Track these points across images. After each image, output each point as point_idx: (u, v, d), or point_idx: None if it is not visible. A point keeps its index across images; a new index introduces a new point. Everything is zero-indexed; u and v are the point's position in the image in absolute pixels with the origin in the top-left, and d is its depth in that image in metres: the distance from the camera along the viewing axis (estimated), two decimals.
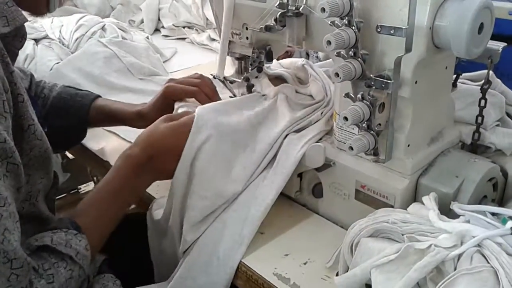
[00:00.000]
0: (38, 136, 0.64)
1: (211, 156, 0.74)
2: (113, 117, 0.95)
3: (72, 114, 0.93)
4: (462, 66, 0.76)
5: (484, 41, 0.62)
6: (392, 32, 0.60)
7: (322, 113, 0.83)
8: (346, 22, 0.62)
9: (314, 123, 0.81)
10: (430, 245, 0.53)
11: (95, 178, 1.36)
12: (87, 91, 0.99)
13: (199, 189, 0.73)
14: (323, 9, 0.60)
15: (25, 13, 0.64)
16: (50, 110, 0.95)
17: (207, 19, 1.66)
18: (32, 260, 0.56)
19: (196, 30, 1.72)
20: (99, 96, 0.97)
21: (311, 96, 0.87)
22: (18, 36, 0.64)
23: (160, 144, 0.73)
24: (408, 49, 0.59)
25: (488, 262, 0.51)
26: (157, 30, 1.82)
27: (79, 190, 2.04)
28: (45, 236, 0.61)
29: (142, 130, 0.77)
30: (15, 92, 0.60)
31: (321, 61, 1.27)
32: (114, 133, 1.07)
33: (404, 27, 0.58)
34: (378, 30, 0.61)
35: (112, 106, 0.96)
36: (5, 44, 0.60)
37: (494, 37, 0.68)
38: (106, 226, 0.71)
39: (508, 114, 0.80)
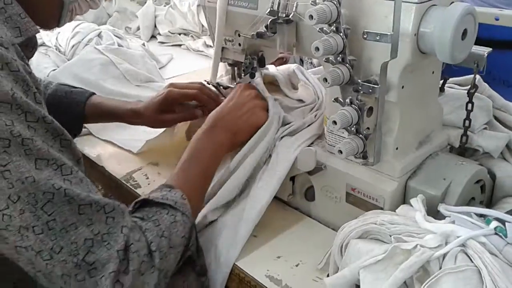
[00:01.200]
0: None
1: None
2: (109, 113, 0.97)
3: (68, 110, 0.94)
4: (453, 71, 0.78)
5: (468, 47, 0.64)
6: (378, 38, 0.62)
7: (316, 115, 0.84)
8: (334, 28, 0.64)
9: (308, 126, 0.82)
10: (416, 245, 0.55)
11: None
12: (82, 88, 1.00)
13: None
14: (311, 16, 0.62)
15: None
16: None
17: (202, 25, 1.68)
18: (134, 212, 0.62)
19: (192, 36, 1.73)
20: (94, 93, 0.99)
21: (300, 100, 0.89)
22: (29, 46, 0.67)
23: (236, 123, 0.80)
24: (394, 55, 0.61)
25: (472, 262, 0.52)
26: (153, 36, 1.84)
27: None
28: (141, 197, 0.65)
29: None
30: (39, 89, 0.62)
31: (315, 67, 1.28)
32: (111, 142, 1.08)
33: (389, 33, 0.60)
34: (365, 36, 0.63)
35: (108, 102, 0.98)
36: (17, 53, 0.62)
37: (483, 42, 0.70)
38: (199, 183, 0.74)
39: (495, 118, 0.82)
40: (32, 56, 0.69)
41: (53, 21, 0.74)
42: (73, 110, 0.95)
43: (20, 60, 0.59)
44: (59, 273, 0.53)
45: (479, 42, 0.67)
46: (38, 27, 0.66)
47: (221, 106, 0.82)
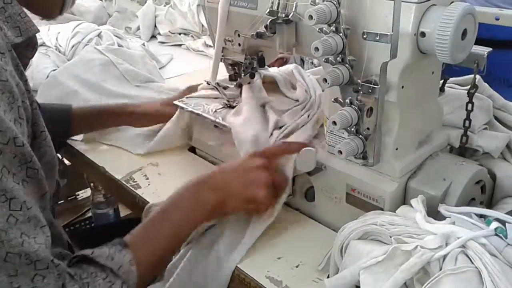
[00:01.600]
0: (48, 143, 0.65)
1: None
2: (100, 111, 0.96)
3: (55, 120, 0.92)
4: (453, 71, 0.78)
5: (468, 46, 0.63)
6: (377, 38, 0.61)
7: (308, 115, 0.84)
8: (334, 29, 0.64)
9: (301, 126, 0.82)
10: (416, 246, 0.55)
11: (91, 184, 1.37)
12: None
13: None
14: (310, 17, 0.62)
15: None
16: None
17: (202, 25, 1.68)
18: (68, 268, 0.55)
19: (192, 36, 1.73)
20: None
21: (297, 101, 0.89)
22: (30, 46, 0.66)
23: (230, 187, 0.72)
24: (393, 55, 0.61)
25: (472, 263, 0.52)
26: (153, 36, 1.84)
27: (77, 197, 2.05)
28: (86, 250, 0.59)
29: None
30: (30, 99, 0.60)
31: (316, 67, 1.28)
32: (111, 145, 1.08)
33: (389, 34, 0.60)
34: (364, 36, 0.63)
35: (97, 106, 0.98)
36: (17, 53, 0.61)
37: (483, 42, 0.70)
38: (159, 248, 0.66)
39: (496, 118, 0.81)
40: (32, 56, 0.68)
41: (56, 9, 0.73)
42: (60, 120, 0.95)
43: (13, 67, 0.57)
44: None
45: (479, 41, 0.67)
46: (40, 18, 0.65)
47: (223, 165, 0.76)
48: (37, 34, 0.65)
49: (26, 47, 0.65)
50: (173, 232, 0.67)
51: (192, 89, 0.98)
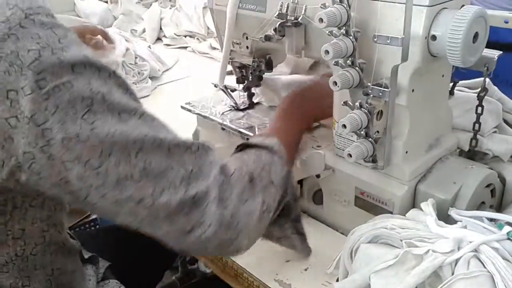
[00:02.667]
0: None
1: None
2: None
3: None
4: (461, 74, 0.77)
5: (479, 50, 0.63)
6: (388, 41, 0.61)
7: None
8: (344, 31, 0.64)
9: None
10: (428, 251, 0.54)
11: None
12: None
13: None
14: (321, 20, 0.62)
15: None
16: None
17: (208, 28, 1.68)
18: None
19: (198, 39, 1.73)
20: None
21: None
22: None
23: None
24: (404, 58, 0.61)
25: (485, 267, 0.52)
26: (159, 39, 1.84)
27: None
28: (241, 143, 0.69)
29: None
30: None
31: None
32: None
33: (400, 37, 0.60)
34: (375, 39, 0.63)
35: None
36: None
37: (491, 45, 0.70)
38: (290, 143, 0.73)
39: (505, 121, 0.81)
40: None
41: None
42: None
43: None
44: (163, 215, 0.53)
45: (487, 45, 0.66)
46: None
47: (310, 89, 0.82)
48: None
49: None
50: (293, 139, 0.75)
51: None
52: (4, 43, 0.48)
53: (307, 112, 0.79)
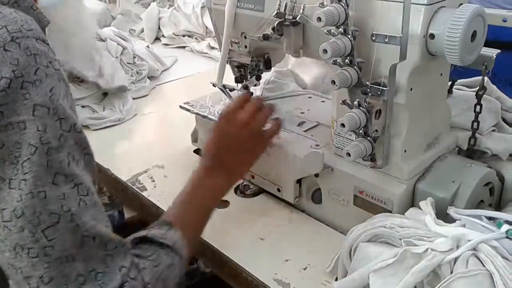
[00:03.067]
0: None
1: None
2: None
3: None
4: (460, 72, 0.77)
5: (477, 48, 0.63)
6: (386, 40, 0.61)
7: None
8: (342, 30, 0.64)
9: None
10: (427, 249, 0.54)
11: (96, 186, 1.37)
12: None
13: None
14: (319, 19, 0.62)
15: None
16: None
17: (206, 27, 1.68)
18: (132, 249, 0.57)
19: (196, 38, 1.73)
20: None
21: None
22: None
23: (221, 133, 0.75)
24: (402, 57, 0.61)
25: (484, 266, 0.52)
26: (157, 39, 1.84)
27: None
28: (141, 232, 0.61)
29: None
30: None
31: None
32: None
33: (398, 36, 0.60)
34: (373, 38, 0.63)
35: None
36: None
37: (490, 44, 0.70)
38: (196, 221, 0.69)
39: (504, 120, 0.81)
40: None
41: None
42: None
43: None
44: None
45: (486, 43, 0.66)
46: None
47: (217, 141, 0.76)
48: None
49: None
50: (203, 213, 0.71)
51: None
52: None
53: (229, 179, 0.74)
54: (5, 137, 0.47)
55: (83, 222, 0.51)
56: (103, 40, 1.35)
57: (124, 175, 0.96)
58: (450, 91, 0.78)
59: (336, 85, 0.64)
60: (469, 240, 0.54)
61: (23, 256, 0.49)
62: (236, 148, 0.75)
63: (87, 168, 0.55)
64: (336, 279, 0.66)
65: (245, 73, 0.94)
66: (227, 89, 0.95)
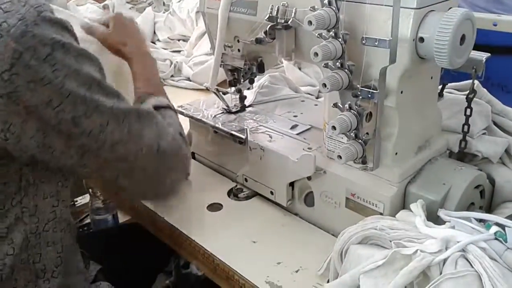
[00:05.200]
0: None
1: None
2: None
3: None
4: (451, 76, 0.78)
5: (467, 52, 0.64)
6: (376, 43, 0.62)
7: None
8: (333, 34, 0.64)
9: None
10: (416, 251, 0.55)
11: (90, 190, 1.37)
12: None
13: None
14: (310, 22, 0.62)
15: None
16: None
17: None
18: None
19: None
20: None
21: None
22: None
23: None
24: (392, 60, 0.61)
25: (472, 267, 0.52)
26: (152, 43, 1.85)
27: (76, 203, 2.03)
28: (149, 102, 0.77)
29: None
30: None
31: None
32: None
33: (388, 39, 0.60)
34: (363, 42, 0.63)
35: None
36: None
37: (481, 48, 0.70)
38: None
39: (494, 123, 0.82)
40: None
41: None
42: None
43: None
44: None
45: (477, 47, 0.67)
46: None
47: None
48: None
49: None
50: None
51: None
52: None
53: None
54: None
55: (136, 108, 0.68)
56: None
57: None
58: (441, 94, 0.79)
59: (327, 88, 0.64)
60: (458, 242, 0.54)
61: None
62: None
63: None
64: (328, 281, 0.67)
65: (238, 76, 0.95)
66: (221, 93, 0.96)
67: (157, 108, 0.76)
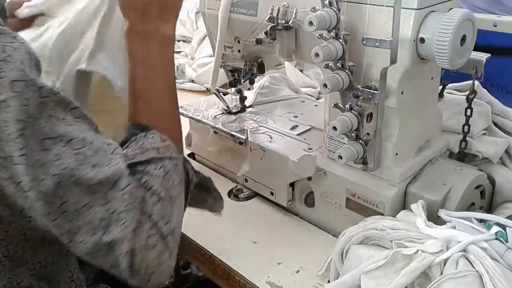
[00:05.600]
0: None
1: None
2: None
3: None
4: (451, 77, 0.78)
5: (467, 52, 0.64)
6: (377, 44, 0.62)
7: None
8: (334, 35, 0.64)
9: None
10: (417, 251, 0.55)
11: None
12: None
13: None
14: (311, 23, 0.62)
15: None
16: None
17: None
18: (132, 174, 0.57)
19: (190, 43, 1.74)
20: None
21: None
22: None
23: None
24: (393, 61, 0.61)
25: (473, 267, 0.52)
26: None
27: None
28: (117, 159, 0.56)
29: None
30: None
31: None
32: None
33: (388, 39, 0.60)
34: (364, 42, 0.63)
35: None
36: None
37: (482, 49, 0.71)
38: (161, 102, 0.66)
39: (494, 123, 0.82)
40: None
41: None
42: None
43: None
44: (83, 252, 0.54)
45: (477, 48, 0.67)
46: None
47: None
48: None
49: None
50: (169, 88, 0.67)
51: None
52: None
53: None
54: None
55: (84, 174, 0.52)
56: None
57: None
58: (441, 95, 0.79)
59: (328, 89, 0.64)
60: (459, 242, 0.55)
61: (47, 222, 0.52)
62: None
63: (79, 119, 0.55)
64: (329, 282, 0.67)
65: (238, 77, 0.95)
66: (221, 93, 0.96)
67: (140, 164, 0.58)
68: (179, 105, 0.73)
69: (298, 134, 0.87)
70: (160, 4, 0.65)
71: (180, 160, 0.63)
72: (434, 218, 0.63)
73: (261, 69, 0.92)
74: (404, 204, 0.71)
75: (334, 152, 0.74)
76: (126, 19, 0.66)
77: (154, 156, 0.59)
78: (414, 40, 0.62)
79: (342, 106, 0.68)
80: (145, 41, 0.65)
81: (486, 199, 0.74)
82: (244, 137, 0.87)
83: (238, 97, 0.97)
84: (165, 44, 0.67)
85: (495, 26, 0.94)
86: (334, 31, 0.64)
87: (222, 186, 0.92)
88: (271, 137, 0.87)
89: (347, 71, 0.65)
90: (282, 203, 0.83)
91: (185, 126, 1.02)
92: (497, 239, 0.55)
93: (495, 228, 0.55)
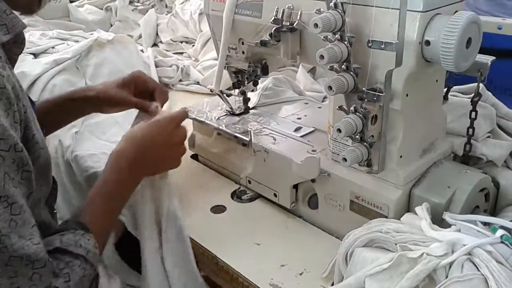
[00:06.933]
0: (41, 145, 0.64)
1: None
2: (60, 100, 0.89)
3: None
4: (456, 79, 0.78)
5: (472, 55, 0.64)
6: (382, 46, 0.62)
7: None
8: (339, 37, 0.64)
9: None
10: (422, 254, 0.55)
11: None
12: None
13: None
14: (316, 25, 0.62)
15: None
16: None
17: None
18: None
19: (193, 45, 1.74)
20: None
21: None
22: (17, 43, 0.65)
23: (150, 139, 0.74)
24: (398, 63, 0.61)
25: (479, 270, 0.52)
26: (155, 44, 1.85)
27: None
28: (54, 240, 0.61)
29: None
30: (21, 102, 0.60)
31: None
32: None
33: (394, 42, 0.60)
34: (369, 44, 0.63)
35: (59, 95, 0.90)
36: (5, 51, 0.60)
37: (486, 52, 0.70)
38: (109, 222, 0.71)
39: (499, 126, 0.82)
40: (20, 52, 0.67)
41: (34, 5, 0.70)
42: None
43: (6, 69, 0.57)
44: None
45: (481, 51, 0.67)
46: (23, 16, 0.64)
47: (149, 136, 0.74)
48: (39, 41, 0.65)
49: (14, 44, 0.64)
50: (116, 211, 0.72)
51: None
52: None
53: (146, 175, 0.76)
54: None
55: (11, 243, 0.52)
56: None
57: None
58: (445, 97, 0.79)
59: (333, 91, 0.64)
60: (464, 245, 0.54)
61: None
62: (163, 150, 0.75)
63: (22, 182, 0.56)
64: (332, 284, 0.66)
65: (242, 78, 0.95)
66: (224, 95, 0.96)
67: (69, 254, 0.60)
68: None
69: (301, 136, 0.87)
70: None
71: (96, 273, 0.65)
72: (438, 221, 0.63)
73: (265, 71, 0.92)
74: (408, 206, 0.70)
75: (338, 154, 0.74)
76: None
77: (84, 256, 0.61)
78: (419, 43, 0.62)
79: (346, 108, 0.67)
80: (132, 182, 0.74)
81: (490, 202, 0.74)
82: (247, 139, 0.87)
83: (241, 98, 0.97)
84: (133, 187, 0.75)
85: (499, 28, 0.94)
86: (339, 33, 0.64)
87: (225, 187, 0.92)
88: (274, 139, 0.87)
89: (352, 73, 0.65)
90: (286, 205, 0.83)
91: (189, 127, 1.02)
92: (502, 242, 0.55)
93: (500, 232, 0.55)
